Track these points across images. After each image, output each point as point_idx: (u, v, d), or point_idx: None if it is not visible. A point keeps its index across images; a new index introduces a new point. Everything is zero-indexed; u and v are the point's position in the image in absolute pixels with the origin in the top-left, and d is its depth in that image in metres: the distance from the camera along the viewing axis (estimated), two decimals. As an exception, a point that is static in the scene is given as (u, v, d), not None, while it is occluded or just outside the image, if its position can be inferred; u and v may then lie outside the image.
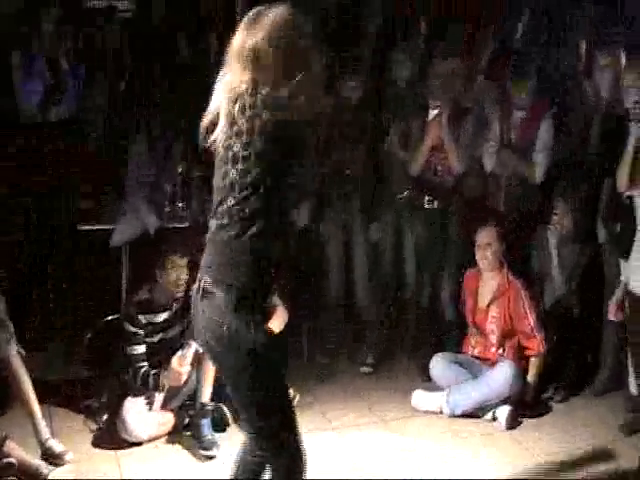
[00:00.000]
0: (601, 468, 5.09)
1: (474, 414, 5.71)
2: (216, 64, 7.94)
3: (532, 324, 5.76)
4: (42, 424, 4.96)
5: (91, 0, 8.55)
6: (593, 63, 6.28)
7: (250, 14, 3.40)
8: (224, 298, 3.36)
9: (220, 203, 3.43)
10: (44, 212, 6.54)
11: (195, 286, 3.52)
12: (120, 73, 7.47)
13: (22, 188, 6.48)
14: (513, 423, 5.60)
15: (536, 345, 5.76)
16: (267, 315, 3.52)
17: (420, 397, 5.79)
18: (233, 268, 3.37)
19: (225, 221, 3.40)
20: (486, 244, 5.89)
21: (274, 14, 3.37)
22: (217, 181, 3.48)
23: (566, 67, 6.90)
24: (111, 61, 7.54)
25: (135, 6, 8.84)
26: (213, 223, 3.48)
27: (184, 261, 5.34)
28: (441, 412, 5.72)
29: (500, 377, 5.68)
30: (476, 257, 5.95)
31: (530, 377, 5.79)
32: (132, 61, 7.62)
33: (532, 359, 5.79)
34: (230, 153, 3.38)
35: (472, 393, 5.70)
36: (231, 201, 3.38)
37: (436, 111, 6.13)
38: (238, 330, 3.32)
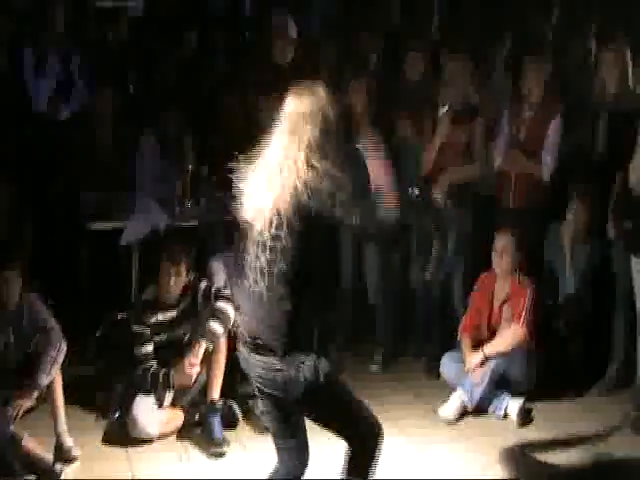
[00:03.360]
0: (610, 464, 5.10)
1: (488, 406, 5.73)
2: (224, 61, 8.03)
3: (521, 313, 5.78)
4: (62, 418, 5.03)
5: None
6: (600, 60, 6.26)
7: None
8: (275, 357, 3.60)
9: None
10: (54, 210, 6.56)
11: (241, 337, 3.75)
12: (130, 70, 7.51)
13: (33, 185, 6.51)
14: (525, 419, 5.61)
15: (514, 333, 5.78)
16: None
17: (443, 410, 5.71)
18: (274, 331, 3.59)
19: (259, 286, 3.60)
20: (503, 251, 5.88)
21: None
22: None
23: (574, 63, 6.92)
24: (121, 57, 7.58)
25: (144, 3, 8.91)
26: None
27: (176, 268, 5.36)
28: (467, 410, 5.69)
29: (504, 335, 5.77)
30: (492, 261, 5.94)
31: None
32: (141, 58, 7.66)
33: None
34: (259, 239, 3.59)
35: (481, 370, 5.70)
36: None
37: (446, 108, 6.13)
38: (292, 379, 3.58)
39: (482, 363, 5.71)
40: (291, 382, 3.57)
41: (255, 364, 3.67)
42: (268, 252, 3.55)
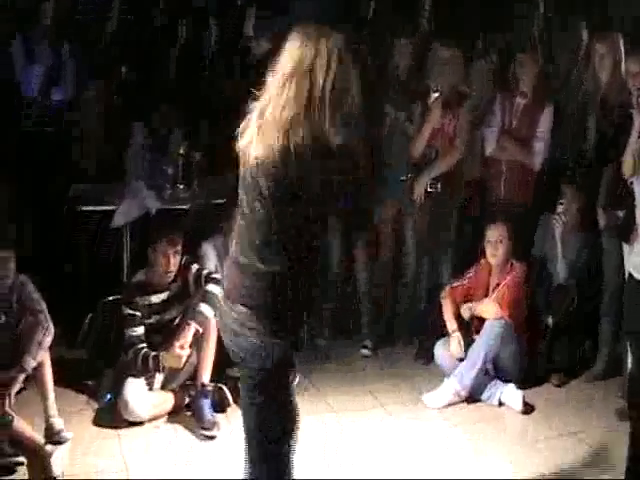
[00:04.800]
0: (596, 452, 5.13)
1: (481, 394, 5.74)
2: (216, 51, 8.03)
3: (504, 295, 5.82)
4: (52, 401, 4.99)
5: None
6: (592, 50, 6.27)
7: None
8: (246, 315, 3.34)
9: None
10: (45, 193, 6.55)
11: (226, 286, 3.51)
12: (120, 58, 7.49)
13: (23, 169, 6.49)
14: (527, 407, 5.62)
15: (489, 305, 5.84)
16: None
17: (432, 397, 5.70)
18: (252, 292, 3.34)
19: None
20: (497, 241, 5.91)
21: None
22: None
23: (566, 54, 6.93)
24: (110, 46, 7.56)
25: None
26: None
27: (175, 249, 5.38)
28: (459, 397, 5.69)
29: (489, 328, 5.72)
30: (486, 253, 5.96)
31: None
32: (132, 47, 7.63)
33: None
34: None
35: (471, 355, 5.71)
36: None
37: (437, 94, 6.13)
38: (255, 346, 3.33)
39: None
40: (254, 351, 3.33)
41: (227, 313, 3.43)
42: (243, 220, 3.37)
